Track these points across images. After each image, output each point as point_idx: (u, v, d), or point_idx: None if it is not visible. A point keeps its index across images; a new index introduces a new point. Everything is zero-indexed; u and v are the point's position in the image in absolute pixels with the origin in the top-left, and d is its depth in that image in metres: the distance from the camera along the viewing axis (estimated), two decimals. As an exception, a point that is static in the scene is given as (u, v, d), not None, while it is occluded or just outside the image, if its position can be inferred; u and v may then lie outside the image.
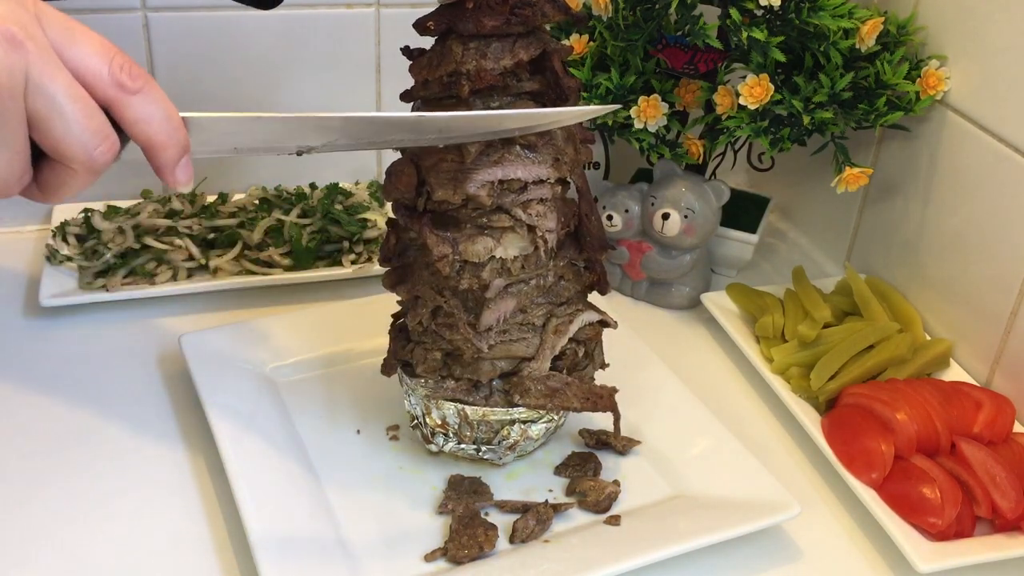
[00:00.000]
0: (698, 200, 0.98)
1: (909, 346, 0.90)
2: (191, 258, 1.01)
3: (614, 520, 0.74)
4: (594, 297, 0.78)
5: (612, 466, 0.80)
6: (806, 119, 0.91)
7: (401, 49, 0.70)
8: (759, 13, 0.89)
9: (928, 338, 0.96)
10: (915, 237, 1.00)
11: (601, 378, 0.79)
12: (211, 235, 1.03)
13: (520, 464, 0.80)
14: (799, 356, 0.89)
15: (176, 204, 1.07)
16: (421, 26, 0.68)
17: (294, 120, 0.55)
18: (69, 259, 0.99)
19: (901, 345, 0.89)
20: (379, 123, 0.59)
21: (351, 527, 0.73)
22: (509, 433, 0.76)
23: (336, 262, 1.04)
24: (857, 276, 0.98)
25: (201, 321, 0.95)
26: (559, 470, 0.80)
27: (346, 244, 1.05)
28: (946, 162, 0.95)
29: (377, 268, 1.01)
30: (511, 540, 0.72)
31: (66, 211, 1.07)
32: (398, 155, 0.71)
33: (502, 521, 0.74)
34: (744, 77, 0.91)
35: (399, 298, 0.77)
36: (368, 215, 1.08)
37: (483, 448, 0.77)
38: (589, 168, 1.13)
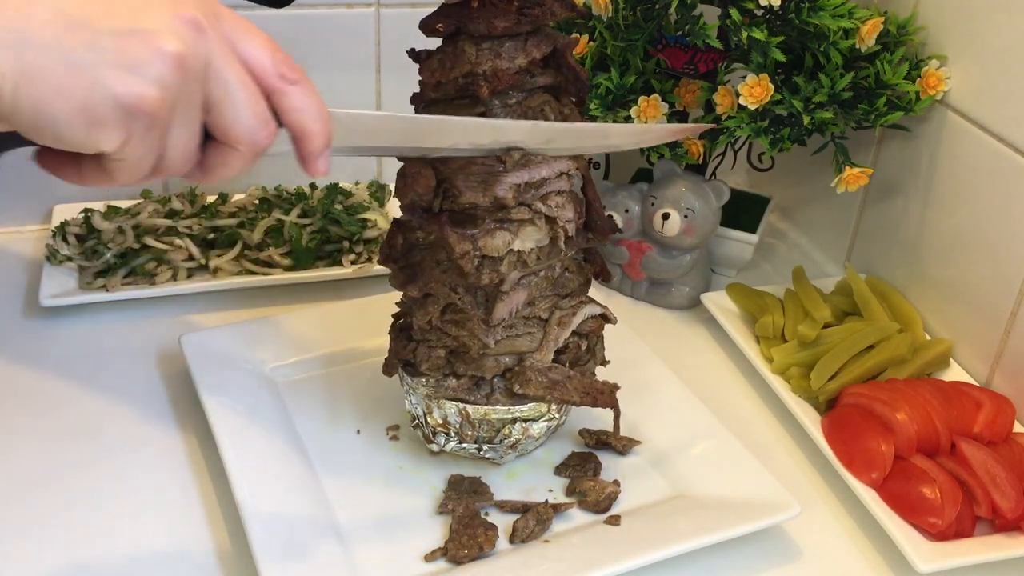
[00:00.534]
0: (698, 200, 0.98)
1: (909, 346, 0.90)
2: (191, 258, 1.01)
3: (614, 520, 0.74)
4: (595, 292, 0.78)
5: (612, 466, 0.81)
6: (806, 119, 0.91)
7: (408, 52, 0.70)
8: (759, 13, 0.90)
9: (928, 338, 0.96)
10: (915, 237, 1.00)
11: (601, 376, 0.79)
12: (211, 235, 1.03)
13: (520, 464, 0.80)
14: (799, 356, 0.89)
15: (176, 204, 1.07)
16: (429, 27, 0.68)
17: (424, 120, 0.61)
18: (69, 259, 0.99)
19: (901, 345, 0.89)
20: (494, 129, 0.64)
21: (351, 527, 0.73)
22: (510, 432, 0.76)
23: (336, 262, 1.04)
24: (857, 276, 0.98)
25: (201, 321, 0.95)
26: (559, 470, 0.80)
27: (346, 244, 1.05)
28: (946, 162, 0.95)
29: (377, 268, 1.01)
30: (511, 540, 0.72)
31: (66, 211, 1.07)
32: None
33: (502, 521, 0.74)
34: (744, 77, 0.91)
35: (399, 298, 0.77)
36: (368, 215, 1.08)
37: (484, 447, 0.77)
38: (589, 168, 1.13)
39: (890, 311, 0.96)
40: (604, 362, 0.80)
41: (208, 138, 0.50)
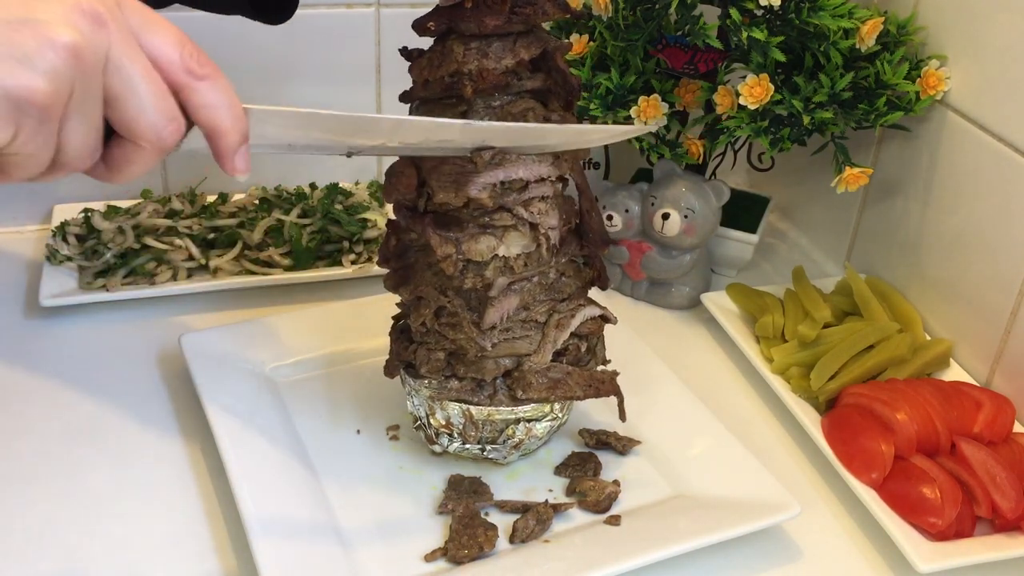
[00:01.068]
0: (698, 200, 0.98)
1: (909, 346, 0.90)
2: (191, 258, 1.01)
3: (614, 520, 0.74)
4: (594, 294, 0.78)
5: (612, 466, 0.81)
6: (806, 119, 0.91)
7: (400, 50, 0.70)
8: (759, 13, 0.89)
9: (928, 338, 0.96)
10: (915, 237, 1.00)
11: (601, 378, 0.79)
12: (211, 235, 1.03)
13: (520, 464, 0.80)
14: (799, 356, 0.89)
15: (176, 204, 1.07)
16: (421, 27, 0.68)
17: (349, 119, 0.57)
18: (69, 259, 0.99)
19: (901, 345, 0.89)
20: (429, 127, 0.61)
21: (351, 527, 0.73)
22: (514, 432, 0.76)
23: (336, 262, 1.04)
24: (857, 276, 0.98)
25: (201, 321, 0.95)
26: (559, 470, 0.80)
27: (346, 244, 1.05)
28: (946, 162, 0.95)
29: (377, 268, 1.01)
30: (511, 540, 0.72)
31: (66, 211, 1.07)
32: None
33: (502, 521, 0.74)
34: (744, 77, 0.91)
35: (399, 299, 0.77)
36: (368, 215, 1.08)
37: (488, 448, 0.77)
38: (589, 168, 1.13)
39: (890, 311, 0.96)
40: (605, 362, 0.80)
41: (113, 134, 0.49)
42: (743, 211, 1.08)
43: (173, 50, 0.48)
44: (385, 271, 0.76)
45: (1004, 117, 0.87)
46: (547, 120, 0.69)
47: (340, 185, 1.12)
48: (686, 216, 0.98)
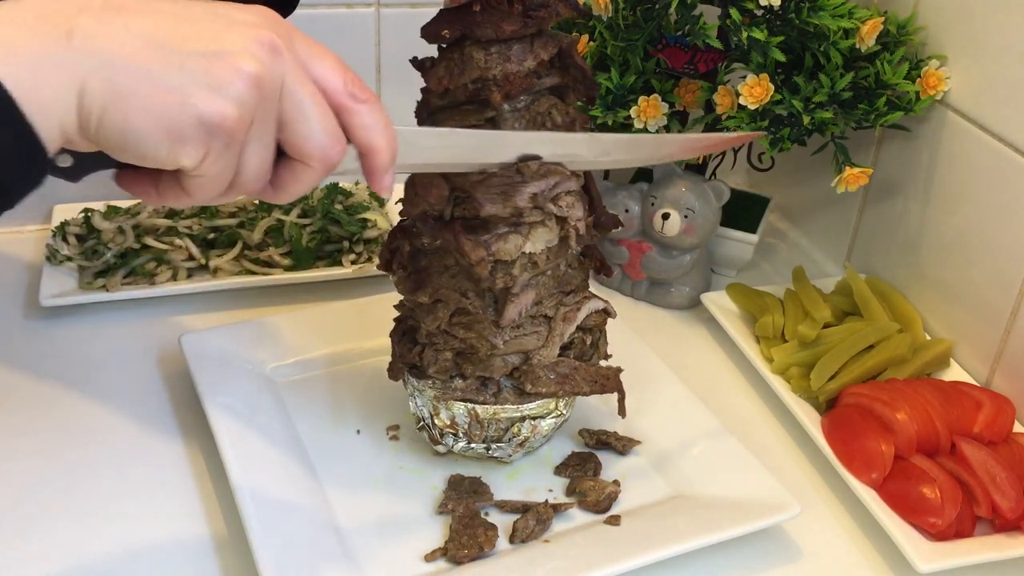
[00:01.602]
0: (698, 200, 0.98)
1: (909, 346, 0.90)
2: (191, 258, 1.01)
3: (614, 520, 0.74)
4: (595, 288, 0.78)
5: (612, 466, 0.81)
6: (806, 119, 0.91)
7: (411, 60, 0.70)
8: (759, 13, 0.90)
9: (928, 338, 0.96)
10: (915, 237, 1.00)
11: (602, 376, 0.79)
12: (211, 235, 1.03)
13: (520, 464, 0.80)
14: (799, 356, 0.89)
15: (176, 204, 1.07)
16: (433, 34, 0.67)
17: (484, 136, 0.64)
18: (69, 259, 0.99)
19: (901, 345, 0.89)
20: (558, 141, 0.66)
21: (351, 527, 0.73)
22: (520, 430, 0.76)
23: (336, 262, 1.04)
24: (857, 276, 0.98)
25: (201, 321, 0.95)
26: (559, 470, 0.80)
27: (346, 244, 1.05)
28: (946, 162, 0.95)
29: (377, 268, 1.01)
30: (511, 540, 0.72)
31: (66, 211, 1.07)
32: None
33: (502, 521, 0.74)
34: (744, 77, 0.91)
35: (398, 299, 0.77)
36: (368, 215, 1.08)
37: (493, 446, 0.77)
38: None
39: (890, 311, 0.96)
40: (607, 356, 0.80)
41: (281, 155, 0.52)
42: (743, 211, 1.08)
43: (337, 76, 0.52)
44: (384, 272, 0.76)
45: (1004, 117, 0.87)
46: (568, 115, 0.70)
47: (340, 185, 1.12)
48: (686, 216, 0.98)
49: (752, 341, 0.94)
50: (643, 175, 1.11)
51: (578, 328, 0.76)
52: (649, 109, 0.95)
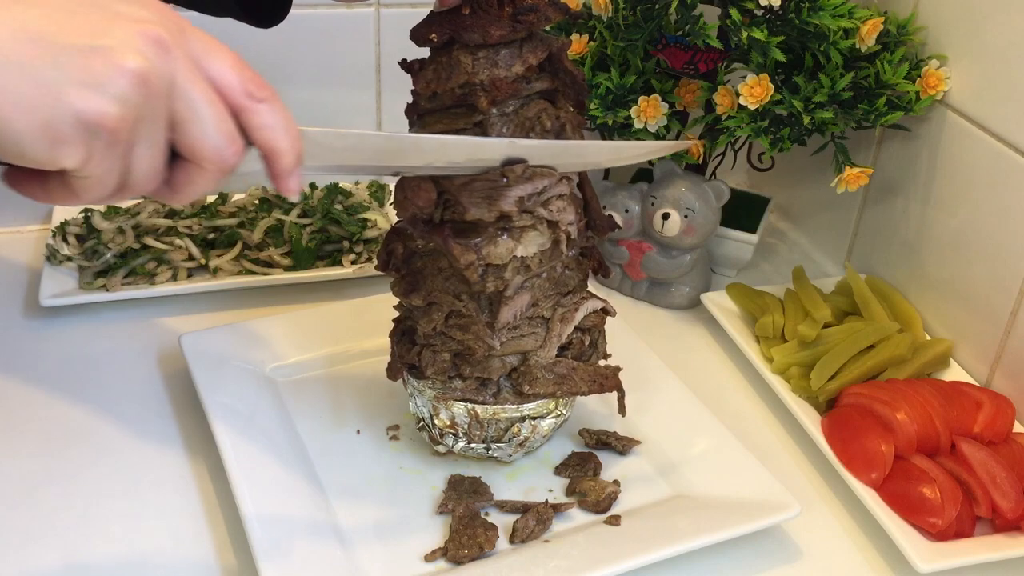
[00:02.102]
0: (698, 200, 0.98)
1: (909, 346, 0.90)
2: (191, 258, 1.01)
3: (614, 520, 0.74)
4: (594, 288, 0.78)
5: (612, 466, 0.81)
6: (806, 119, 0.91)
7: (399, 62, 0.70)
8: (759, 13, 0.89)
9: (928, 338, 0.96)
10: (915, 237, 1.00)
11: (602, 376, 0.79)
12: (211, 235, 1.03)
13: (520, 464, 0.80)
14: (799, 356, 0.89)
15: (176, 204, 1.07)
16: (422, 37, 0.67)
17: (396, 139, 0.60)
18: (69, 259, 0.99)
19: (901, 345, 0.89)
20: (472, 146, 0.64)
21: (351, 527, 0.73)
22: (520, 430, 0.76)
23: (336, 262, 1.04)
24: (857, 276, 0.98)
25: (201, 321, 0.95)
26: (559, 470, 0.80)
27: (346, 244, 1.05)
28: (946, 162, 0.95)
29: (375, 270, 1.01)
30: (511, 540, 0.72)
31: (66, 211, 1.07)
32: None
33: (502, 521, 0.74)
34: (744, 77, 0.91)
35: (397, 301, 0.77)
36: (368, 215, 1.08)
37: (493, 446, 0.77)
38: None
39: (890, 311, 0.96)
40: (606, 355, 0.80)
41: (175, 156, 0.50)
42: (743, 211, 1.08)
43: (233, 74, 0.49)
44: (393, 279, 0.76)
45: (1004, 117, 0.87)
46: (559, 120, 0.69)
47: (340, 185, 1.12)
48: (686, 216, 0.98)
49: (752, 341, 0.94)
50: (643, 175, 1.11)
51: (576, 328, 0.76)
52: (649, 109, 0.95)
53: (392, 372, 0.77)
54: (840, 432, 0.82)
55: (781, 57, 0.90)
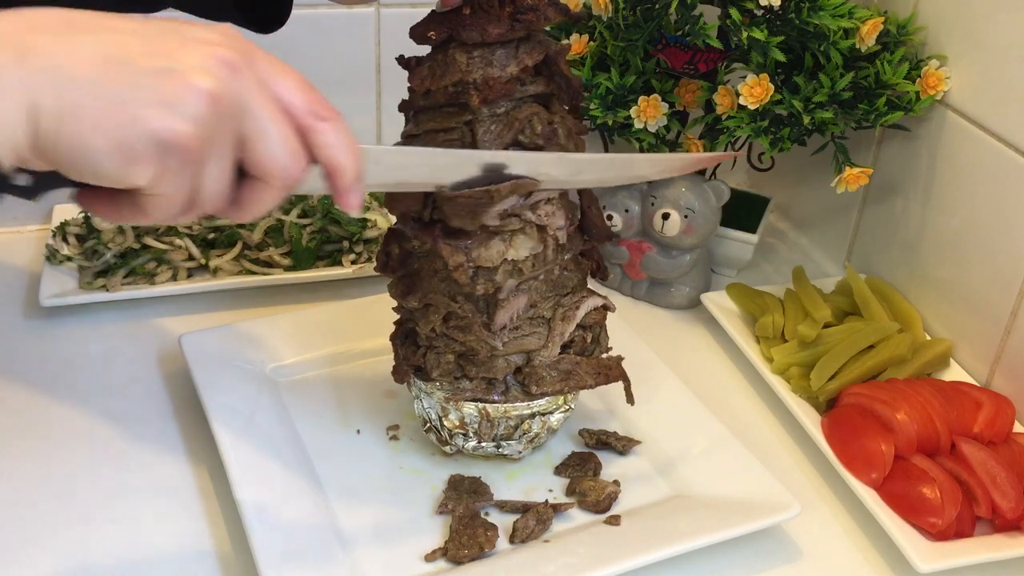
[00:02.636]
0: (698, 200, 0.98)
1: (909, 346, 0.90)
2: (191, 258, 1.01)
3: (614, 520, 0.74)
4: (594, 287, 0.78)
5: (612, 466, 0.81)
6: (806, 119, 0.91)
7: (397, 59, 0.69)
8: (759, 13, 0.90)
9: (928, 338, 0.96)
10: (915, 237, 1.00)
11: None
12: (211, 235, 1.03)
13: (520, 464, 0.80)
14: (799, 356, 0.89)
15: (176, 204, 1.07)
16: (421, 35, 0.67)
17: (449, 155, 0.63)
18: (69, 259, 0.99)
19: (901, 345, 0.89)
20: (533, 162, 0.66)
21: (351, 527, 0.73)
22: (530, 426, 0.77)
23: (336, 262, 1.04)
24: (857, 276, 0.98)
25: (201, 321, 0.95)
26: (559, 470, 0.80)
27: (346, 244, 1.05)
28: (946, 162, 0.95)
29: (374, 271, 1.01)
30: (511, 540, 0.72)
31: (66, 211, 1.07)
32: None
33: (502, 521, 0.74)
34: (744, 77, 0.91)
35: (397, 304, 0.77)
36: (368, 215, 1.08)
37: (503, 444, 0.78)
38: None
39: (890, 311, 0.96)
40: (608, 349, 0.80)
41: (242, 175, 0.51)
42: (743, 211, 1.08)
43: (299, 95, 0.51)
44: (390, 280, 0.75)
45: (1004, 117, 0.87)
46: (551, 124, 0.69)
47: (340, 185, 1.12)
48: (686, 216, 0.98)
49: (752, 341, 0.94)
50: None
51: (578, 326, 0.76)
52: (649, 109, 0.95)
53: (399, 375, 0.77)
54: (840, 432, 0.82)
55: (781, 57, 0.90)
